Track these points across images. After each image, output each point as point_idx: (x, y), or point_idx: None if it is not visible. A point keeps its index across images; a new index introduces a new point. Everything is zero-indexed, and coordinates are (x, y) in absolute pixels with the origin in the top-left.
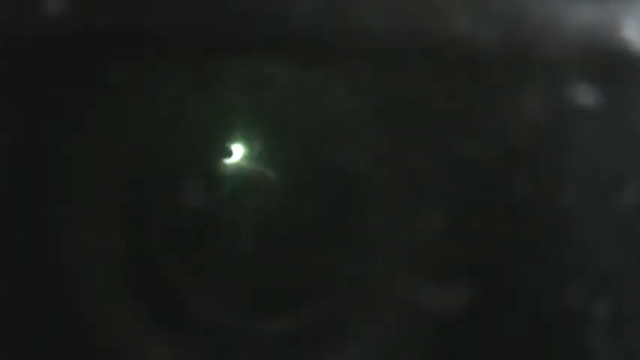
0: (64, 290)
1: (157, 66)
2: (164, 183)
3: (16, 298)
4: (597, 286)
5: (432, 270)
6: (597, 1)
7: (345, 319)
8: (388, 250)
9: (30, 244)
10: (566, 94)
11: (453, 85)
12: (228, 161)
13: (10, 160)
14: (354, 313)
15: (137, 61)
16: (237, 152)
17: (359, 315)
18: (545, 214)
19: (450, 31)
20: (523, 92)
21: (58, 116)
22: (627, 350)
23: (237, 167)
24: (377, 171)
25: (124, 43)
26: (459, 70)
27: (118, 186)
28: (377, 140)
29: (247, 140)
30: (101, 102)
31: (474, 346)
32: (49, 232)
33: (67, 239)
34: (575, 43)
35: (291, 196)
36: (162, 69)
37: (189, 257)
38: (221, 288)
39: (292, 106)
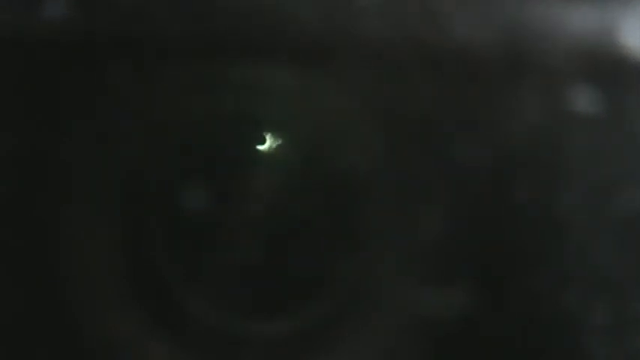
0: (63, 291)
1: (157, 68)
2: (163, 184)
3: (15, 299)
4: (596, 290)
5: (431, 274)
6: (595, 7)
7: (343, 321)
8: (388, 254)
9: (29, 245)
10: (564, 100)
11: (452, 89)
12: (227, 163)
13: (10, 161)
14: (352, 316)
15: (137, 64)
16: (237, 154)
17: (358, 318)
18: (544, 218)
19: (449, 37)
20: (522, 98)
21: (58, 118)
22: (626, 354)
23: (236, 169)
24: (376, 175)
25: (124, 46)
26: (458, 74)
27: (117, 187)
28: (377, 144)
29: (247, 142)
30: (101, 104)
31: (472, 350)
32: (48, 233)
33: (66, 240)
34: (574, 49)
35: (290, 199)
36: (163, 71)
37: (189, 258)
38: (220, 289)
39: (293, 109)
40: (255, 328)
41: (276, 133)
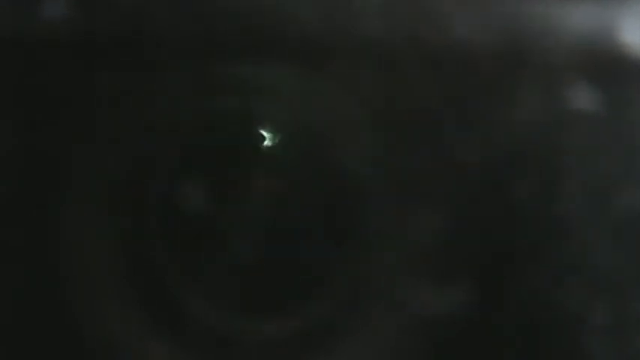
0: (63, 291)
1: (156, 69)
2: (163, 184)
3: (15, 299)
4: (596, 289)
5: (431, 272)
6: (595, 4)
7: (343, 321)
8: (386, 253)
9: (29, 245)
10: (564, 98)
11: (451, 88)
12: (227, 163)
13: (10, 161)
14: (352, 315)
15: (137, 64)
16: (237, 154)
17: (357, 317)
18: (544, 216)
19: (448, 35)
20: (521, 96)
21: (57, 118)
22: (626, 355)
23: (235, 169)
24: (375, 173)
25: (124, 46)
26: (458, 73)
27: (117, 187)
28: (376, 142)
29: (246, 142)
30: (101, 104)
31: (472, 349)
32: (47, 234)
33: (65, 240)
34: (574, 46)
35: (289, 198)
36: (162, 72)
37: (188, 258)
38: (220, 289)
39: (292, 109)
40: (255, 328)
41: (275, 133)
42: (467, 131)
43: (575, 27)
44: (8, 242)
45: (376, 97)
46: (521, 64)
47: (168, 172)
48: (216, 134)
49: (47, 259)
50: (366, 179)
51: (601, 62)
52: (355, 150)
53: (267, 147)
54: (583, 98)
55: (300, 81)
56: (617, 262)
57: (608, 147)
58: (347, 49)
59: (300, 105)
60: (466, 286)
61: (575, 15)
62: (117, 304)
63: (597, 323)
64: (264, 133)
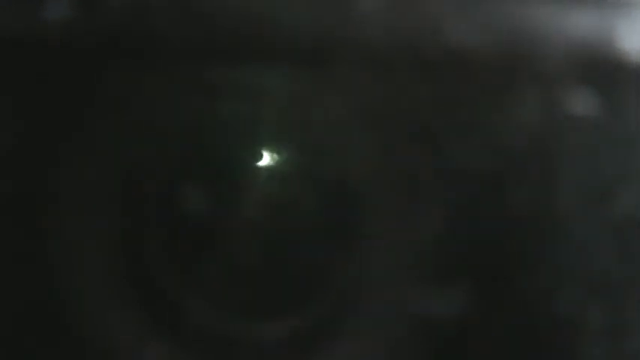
0: (63, 292)
1: (156, 70)
2: (163, 185)
3: (15, 300)
4: (592, 292)
5: (429, 274)
6: (594, 11)
7: (343, 322)
8: (385, 254)
9: (28, 247)
10: (561, 103)
11: (450, 93)
12: (226, 164)
13: (10, 161)
14: (351, 317)
15: (137, 65)
16: (236, 156)
17: (357, 318)
18: (541, 220)
19: (446, 41)
20: (519, 100)
21: (57, 119)
22: (624, 356)
23: (235, 170)
24: (374, 176)
25: (124, 47)
26: (456, 78)
27: (117, 188)
28: (375, 146)
29: (245, 145)
30: (101, 105)
31: (472, 350)
32: (47, 236)
33: (65, 242)
34: (571, 52)
35: (289, 201)
36: (162, 73)
37: (188, 259)
38: (220, 290)
39: (289, 113)
40: (255, 328)
41: (274, 135)
42: (467, 134)
43: (573, 34)
44: (8, 242)
45: (375, 100)
46: (519, 70)
47: (168, 173)
48: (215, 136)
49: (47, 260)
50: (366, 182)
51: (599, 68)
52: (355, 153)
53: (268, 148)
54: (580, 104)
55: (300, 84)
56: (615, 265)
57: (606, 152)
58: (346, 55)
59: (300, 108)
60: (466, 286)
61: (573, 22)
62: (116, 304)
63: (595, 324)
64: (265, 135)
